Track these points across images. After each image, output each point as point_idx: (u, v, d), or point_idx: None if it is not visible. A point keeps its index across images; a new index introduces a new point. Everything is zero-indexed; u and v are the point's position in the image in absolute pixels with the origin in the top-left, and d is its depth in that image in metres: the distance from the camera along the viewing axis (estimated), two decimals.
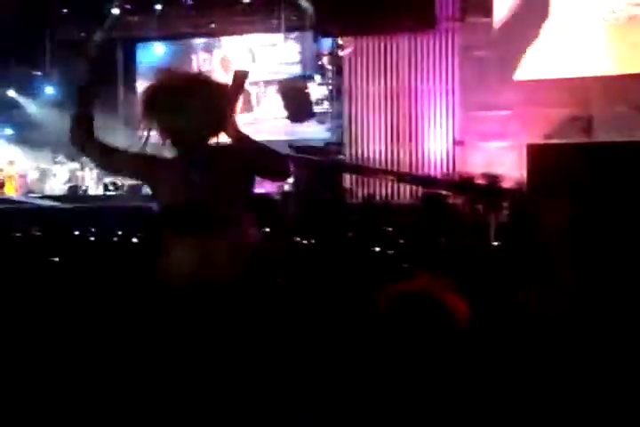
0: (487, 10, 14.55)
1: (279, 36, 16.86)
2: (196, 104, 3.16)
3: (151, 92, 3.26)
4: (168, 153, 3.27)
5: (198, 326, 3.02)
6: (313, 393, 2.82)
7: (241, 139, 3.22)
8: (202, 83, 3.25)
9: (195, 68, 17.54)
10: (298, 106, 14.95)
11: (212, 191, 3.15)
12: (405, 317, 2.68)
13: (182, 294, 3.14)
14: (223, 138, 3.22)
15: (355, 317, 3.16)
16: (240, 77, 3.27)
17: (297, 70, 16.63)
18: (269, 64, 16.86)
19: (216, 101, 3.20)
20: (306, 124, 15.99)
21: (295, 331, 3.09)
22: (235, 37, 17.38)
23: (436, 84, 15.26)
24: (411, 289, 2.80)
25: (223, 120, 3.19)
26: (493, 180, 14.31)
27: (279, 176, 3.34)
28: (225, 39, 17.54)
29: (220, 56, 17.67)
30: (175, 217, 3.17)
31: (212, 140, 3.21)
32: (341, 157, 16.12)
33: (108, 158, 3.36)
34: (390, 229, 10.17)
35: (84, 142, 3.36)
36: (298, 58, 17.02)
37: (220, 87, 3.24)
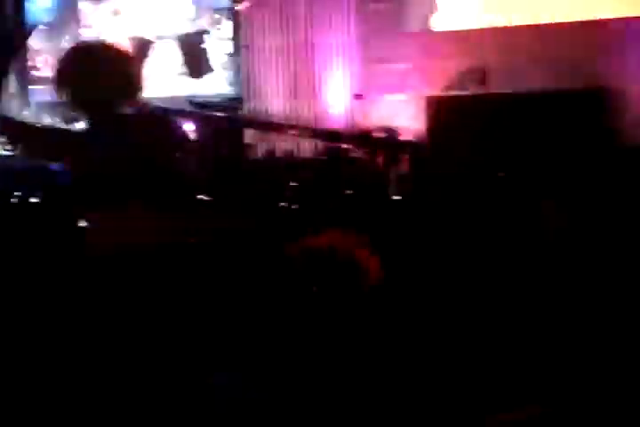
0: None
1: None
2: (107, 72, 3.16)
3: (63, 63, 3.26)
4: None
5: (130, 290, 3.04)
6: (229, 352, 2.84)
7: (143, 109, 3.25)
8: (112, 52, 3.26)
9: (82, 19, 17.12)
10: (196, 61, 14.78)
11: (125, 163, 3.15)
12: (314, 272, 2.69)
13: (111, 262, 3.14)
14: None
15: (266, 272, 3.17)
16: (144, 46, 3.28)
17: (194, 26, 16.38)
18: (164, 19, 16.56)
19: (127, 69, 3.21)
20: (205, 79, 15.82)
21: (208, 289, 3.11)
22: None
23: (334, 38, 15.23)
24: (319, 245, 2.82)
25: (134, 87, 3.20)
26: (392, 133, 14.44)
27: (174, 147, 3.36)
28: None
29: (111, 9, 17.23)
30: (90, 191, 3.16)
31: (122, 109, 3.22)
32: (242, 112, 16.03)
33: (24, 137, 3.35)
34: (295, 184, 10.20)
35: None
36: (194, 13, 16.75)
37: (128, 55, 3.26)
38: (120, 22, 16.70)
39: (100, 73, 3.15)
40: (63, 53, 3.29)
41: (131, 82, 3.20)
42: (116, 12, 17.12)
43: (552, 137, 13.22)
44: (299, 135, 15.55)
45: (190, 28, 16.12)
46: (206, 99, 15.86)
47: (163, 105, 14.70)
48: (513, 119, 13.29)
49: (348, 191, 10.08)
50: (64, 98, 3.19)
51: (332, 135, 14.95)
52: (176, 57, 15.65)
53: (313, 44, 15.41)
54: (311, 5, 15.30)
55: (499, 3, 14.07)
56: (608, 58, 13.34)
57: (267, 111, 15.87)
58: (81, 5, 17.28)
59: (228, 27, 16.05)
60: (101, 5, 17.17)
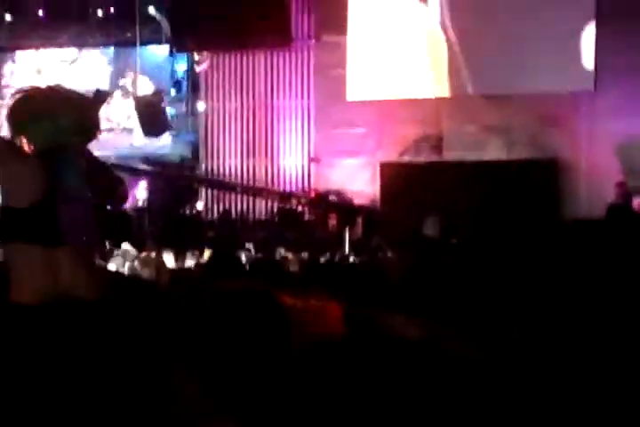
0: (342, 29, 14.80)
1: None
2: (65, 115, 3.12)
3: (19, 104, 3.20)
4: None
5: (54, 348, 2.90)
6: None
7: (92, 161, 3.20)
8: (69, 95, 3.22)
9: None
10: (153, 120, 14.82)
11: (67, 197, 3.07)
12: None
13: (36, 314, 3.00)
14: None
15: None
16: (102, 96, 3.25)
17: (148, 85, 16.46)
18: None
19: (84, 112, 3.17)
20: (161, 138, 15.86)
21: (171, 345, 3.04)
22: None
23: (292, 101, 15.41)
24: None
25: (90, 131, 3.16)
26: (348, 197, 14.57)
27: (116, 202, 3.28)
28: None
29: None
30: (26, 222, 3.04)
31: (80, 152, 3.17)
32: (197, 172, 16.08)
33: None
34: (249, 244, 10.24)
35: None
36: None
37: (85, 99, 3.22)
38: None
39: (55, 116, 3.09)
40: (16, 97, 3.23)
41: (86, 123, 3.14)
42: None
43: (504, 205, 13.42)
44: (254, 196, 15.61)
45: (149, 89, 16.21)
46: (161, 158, 15.93)
47: (116, 161, 14.81)
48: (466, 187, 13.48)
49: (304, 252, 10.12)
50: (21, 142, 3.11)
51: (286, 197, 15.04)
52: (133, 116, 15.69)
53: (271, 108, 15.56)
54: (271, 69, 15.50)
55: (455, 73, 14.34)
56: (560, 130, 13.64)
57: (222, 172, 15.94)
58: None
59: (186, 87, 16.23)
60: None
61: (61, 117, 3.05)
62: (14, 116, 3.16)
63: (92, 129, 3.16)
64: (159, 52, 16.43)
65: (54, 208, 2.98)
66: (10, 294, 3.03)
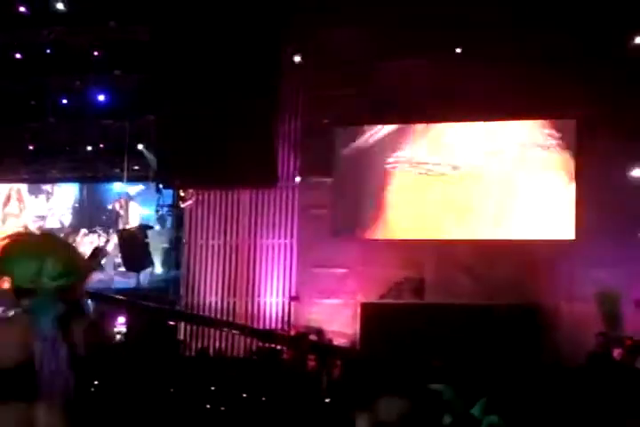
0: (327, 170, 15.02)
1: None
2: (54, 256, 3.10)
3: (6, 249, 3.17)
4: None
5: None
6: None
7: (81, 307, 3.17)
8: (59, 243, 3.21)
9: None
10: (136, 255, 14.83)
11: (51, 354, 3.01)
12: None
13: None
14: None
15: None
16: (99, 253, 3.25)
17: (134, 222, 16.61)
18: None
19: (72, 261, 3.16)
20: (143, 273, 15.83)
21: None
22: None
23: (275, 240, 15.47)
24: None
25: (79, 281, 3.13)
26: (327, 336, 14.42)
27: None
28: None
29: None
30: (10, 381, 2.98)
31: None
32: (178, 307, 15.94)
33: None
34: (224, 385, 10.05)
35: None
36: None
37: (73, 248, 3.20)
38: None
39: (44, 256, 3.08)
40: (6, 241, 3.22)
41: (74, 275, 3.11)
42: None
43: (485, 350, 13.27)
44: (233, 333, 15.43)
45: (132, 224, 16.30)
46: (143, 292, 15.82)
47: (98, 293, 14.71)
48: (447, 330, 13.38)
49: (281, 393, 9.91)
50: (6, 286, 3.07)
51: (265, 335, 14.85)
52: (115, 249, 15.72)
53: (255, 245, 15.61)
54: (255, 207, 15.62)
55: (438, 217, 14.51)
56: (542, 276, 13.68)
57: (203, 307, 15.81)
58: None
59: (170, 223, 16.33)
60: None
61: (50, 259, 3.03)
62: (2, 252, 3.13)
63: (76, 274, 3.12)
64: (143, 187, 16.73)
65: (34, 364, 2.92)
66: None
